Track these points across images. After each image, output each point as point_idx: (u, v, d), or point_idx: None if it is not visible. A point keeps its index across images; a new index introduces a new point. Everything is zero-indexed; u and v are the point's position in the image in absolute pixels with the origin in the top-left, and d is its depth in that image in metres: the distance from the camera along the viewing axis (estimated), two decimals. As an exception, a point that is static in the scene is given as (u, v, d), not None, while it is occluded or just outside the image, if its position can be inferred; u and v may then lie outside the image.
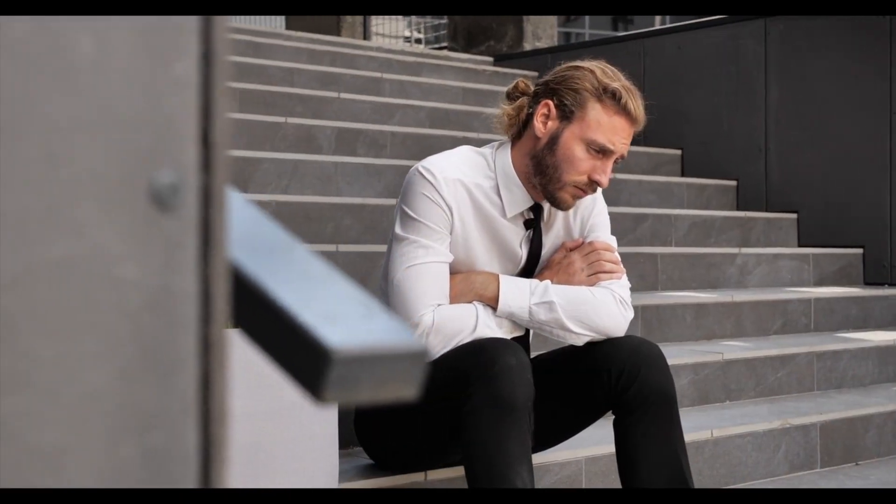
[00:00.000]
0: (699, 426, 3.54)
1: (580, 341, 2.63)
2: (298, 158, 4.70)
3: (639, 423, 2.57)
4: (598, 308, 2.63)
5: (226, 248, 0.53)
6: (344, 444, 2.97)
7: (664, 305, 4.41)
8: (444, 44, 9.12)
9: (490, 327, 2.58)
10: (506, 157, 2.66)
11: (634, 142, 6.68)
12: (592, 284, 2.67)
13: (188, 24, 0.50)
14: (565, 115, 2.59)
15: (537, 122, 2.61)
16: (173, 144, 0.49)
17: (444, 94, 6.59)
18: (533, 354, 2.84)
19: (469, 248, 2.64)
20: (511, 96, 2.71)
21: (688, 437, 3.36)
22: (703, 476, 3.43)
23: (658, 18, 23.88)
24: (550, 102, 2.60)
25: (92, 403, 0.52)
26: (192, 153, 0.50)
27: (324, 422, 2.53)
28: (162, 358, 0.52)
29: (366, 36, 10.19)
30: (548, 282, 2.65)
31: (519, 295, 2.61)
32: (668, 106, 6.75)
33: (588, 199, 2.76)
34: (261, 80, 5.86)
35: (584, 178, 2.57)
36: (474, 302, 2.61)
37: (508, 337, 2.63)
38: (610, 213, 5.16)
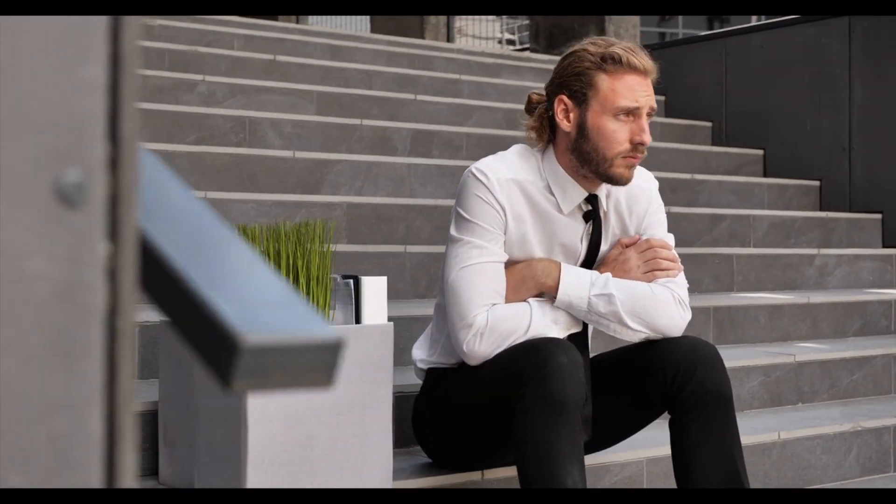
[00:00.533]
0: (767, 428, 3.50)
1: (636, 338, 2.62)
2: (372, 160, 4.75)
3: (694, 424, 2.55)
4: (658, 306, 2.62)
5: (134, 242, 0.55)
6: (405, 442, 3.00)
7: (737, 307, 4.36)
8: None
9: (545, 325, 2.58)
10: (551, 158, 2.68)
11: (716, 142, 6.63)
12: (649, 282, 2.66)
13: (97, 25, 0.52)
14: (580, 100, 2.60)
15: (560, 119, 2.64)
16: (81, 144, 0.52)
17: (522, 95, 6.58)
18: (592, 354, 2.84)
19: (526, 247, 2.65)
20: (529, 110, 2.74)
21: (755, 438, 3.34)
22: (769, 478, 3.39)
23: (754, 17, 23.55)
24: (563, 96, 2.63)
25: (-2, 390, 0.54)
26: (99, 152, 0.52)
27: (379, 420, 2.56)
28: (69, 347, 0.54)
29: (449, 38, 10.24)
30: (608, 274, 2.64)
31: (579, 285, 2.61)
32: (751, 106, 6.67)
33: (643, 197, 2.77)
34: (338, 83, 5.92)
35: (626, 146, 2.58)
36: (529, 300, 2.61)
37: (564, 335, 2.63)
38: (687, 214, 5.17)
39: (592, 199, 2.70)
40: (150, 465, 2.69)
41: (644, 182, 2.80)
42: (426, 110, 5.78)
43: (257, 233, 2.44)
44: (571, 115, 2.63)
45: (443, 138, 5.38)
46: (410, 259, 4.01)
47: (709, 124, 6.89)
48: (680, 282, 2.71)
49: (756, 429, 3.48)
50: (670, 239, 2.78)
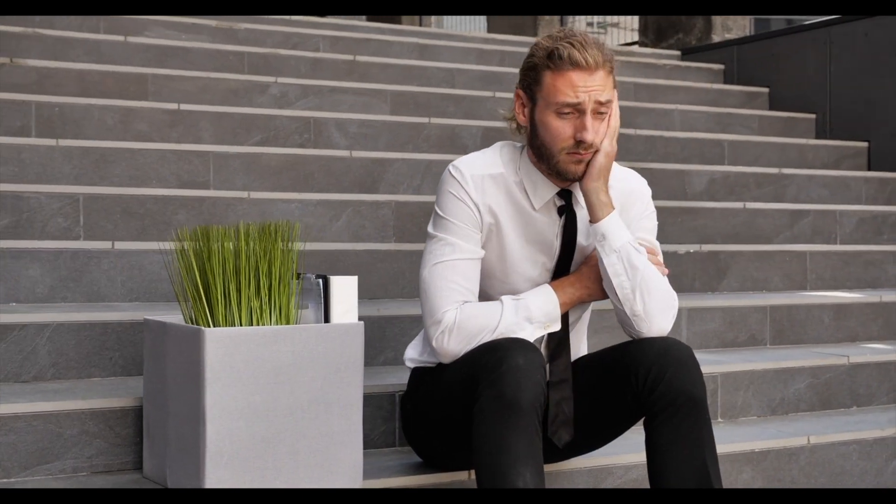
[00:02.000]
0: (798, 432, 3.37)
1: (626, 307, 2.56)
2: (432, 158, 4.76)
3: (664, 426, 2.49)
4: (665, 301, 2.58)
5: None
6: (400, 441, 3.01)
7: (799, 306, 4.20)
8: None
9: (516, 323, 2.55)
10: (525, 153, 2.66)
11: (820, 135, 6.37)
12: None
13: None
14: (532, 96, 2.59)
15: (518, 114, 2.64)
16: None
17: (627, 91, 6.47)
18: (584, 353, 2.80)
19: (503, 241, 2.63)
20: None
21: (783, 442, 3.23)
22: (797, 485, 3.26)
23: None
24: (520, 91, 2.62)
25: None
26: None
27: (347, 419, 2.57)
28: None
29: (561, 33, 10.09)
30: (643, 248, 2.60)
31: (622, 228, 2.57)
32: (855, 96, 6.43)
33: (638, 200, 2.72)
34: (419, 82, 5.94)
35: (570, 143, 2.55)
36: (503, 298, 2.59)
37: (540, 333, 2.59)
38: (765, 210, 5.00)
39: (566, 195, 2.66)
40: (137, 460, 2.76)
41: (638, 186, 2.76)
42: (507, 107, 5.74)
43: (219, 232, 2.47)
44: (525, 111, 2.61)
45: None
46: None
47: (812, 116, 6.66)
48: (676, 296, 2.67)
49: (785, 433, 3.36)
50: (657, 245, 2.73)
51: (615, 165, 2.79)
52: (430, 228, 2.64)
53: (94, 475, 2.73)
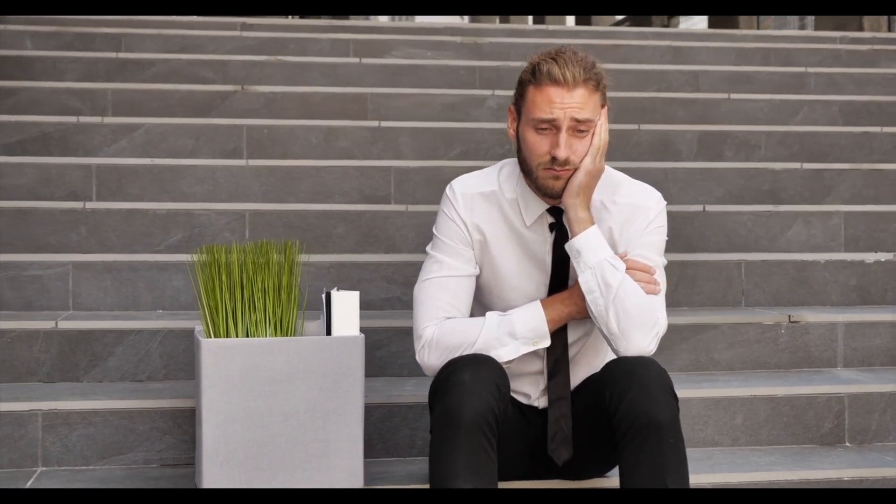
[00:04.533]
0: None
1: (601, 325, 2.53)
2: (623, 166, 4.71)
3: (626, 448, 2.43)
4: (643, 319, 2.52)
5: None
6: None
7: None
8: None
9: (496, 339, 2.57)
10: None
11: None
12: None
13: None
14: (519, 111, 2.59)
15: (509, 128, 2.65)
16: None
17: (878, 84, 6.05)
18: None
19: (497, 259, 2.66)
20: None
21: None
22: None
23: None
24: (511, 106, 2.63)
25: None
26: None
27: (345, 427, 2.71)
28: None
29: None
30: (623, 263, 2.57)
31: (599, 245, 2.56)
32: None
33: (640, 217, 2.67)
34: (658, 87, 5.86)
35: (546, 158, 2.54)
36: (488, 314, 2.62)
37: (526, 349, 2.59)
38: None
39: (557, 212, 2.64)
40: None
41: (645, 201, 2.69)
42: (743, 109, 5.56)
43: (221, 248, 2.70)
44: (514, 126, 2.63)
45: (736, 139, 5.17)
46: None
47: None
48: (664, 315, 2.60)
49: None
50: (658, 263, 2.65)
51: (628, 180, 2.75)
52: (427, 247, 2.72)
53: (163, 467, 3.04)
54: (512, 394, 2.75)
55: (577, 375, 2.72)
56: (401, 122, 5.01)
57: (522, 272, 2.68)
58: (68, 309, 3.68)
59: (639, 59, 6.24)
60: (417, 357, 2.63)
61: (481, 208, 2.66)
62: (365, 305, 3.63)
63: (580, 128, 2.53)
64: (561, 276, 2.66)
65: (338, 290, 2.79)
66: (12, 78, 5.29)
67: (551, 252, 2.65)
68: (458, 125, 5.01)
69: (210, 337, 2.70)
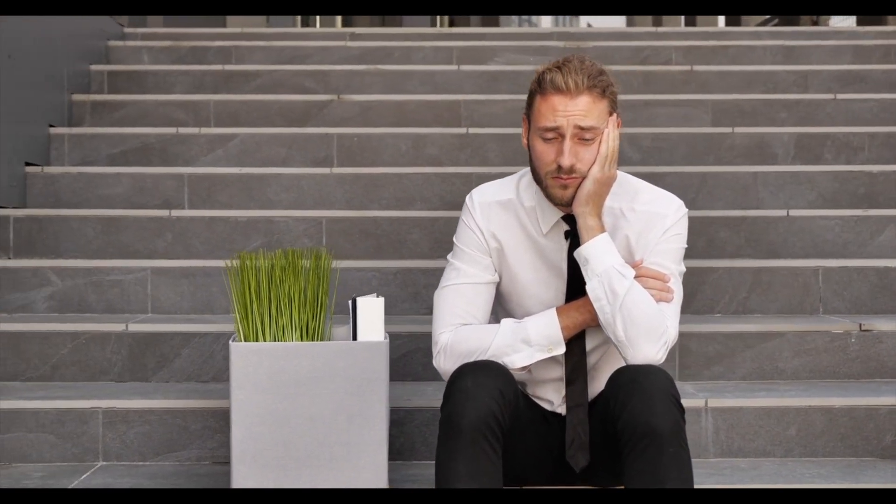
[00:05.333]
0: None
1: (609, 333, 2.55)
2: (707, 171, 4.67)
3: (628, 457, 2.42)
4: (651, 327, 2.52)
5: None
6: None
7: None
8: None
9: (510, 345, 2.60)
10: None
11: None
12: None
13: None
14: (529, 121, 2.62)
15: (523, 138, 2.67)
16: None
17: None
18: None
19: (514, 267, 2.70)
20: None
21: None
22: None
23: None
24: (524, 116, 2.65)
25: None
26: None
27: (369, 431, 2.78)
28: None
29: None
30: (633, 271, 2.58)
31: (608, 252, 2.56)
32: None
33: (657, 224, 2.65)
34: (763, 88, 5.75)
35: (553, 167, 2.55)
36: (503, 320, 2.65)
37: (541, 356, 2.61)
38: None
39: (573, 220, 2.65)
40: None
41: (662, 209, 2.68)
42: (850, 109, 5.40)
43: (252, 255, 2.80)
44: (526, 135, 2.65)
45: (837, 140, 5.03)
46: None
47: None
48: (675, 323, 2.59)
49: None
50: (675, 270, 2.64)
51: (648, 188, 2.74)
52: (449, 254, 2.78)
53: (213, 464, 3.17)
54: (536, 400, 2.79)
55: (600, 382, 2.72)
56: (488, 128, 5.05)
57: (540, 280, 2.70)
58: (147, 312, 3.86)
59: (749, 60, 6.11)
60: (434, 363, 2.68)
61: (498, 216, 2.70)
62: (428, 311, 3.70)
63: (585, 135, 2.54)
64: (578, 283, 2.66)
65: (376, 296, 2.86)
66: (125, 92, 5.55)
67: (567, 260, 2.67)
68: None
69: (241, 341, 2.81)
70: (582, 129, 2.54)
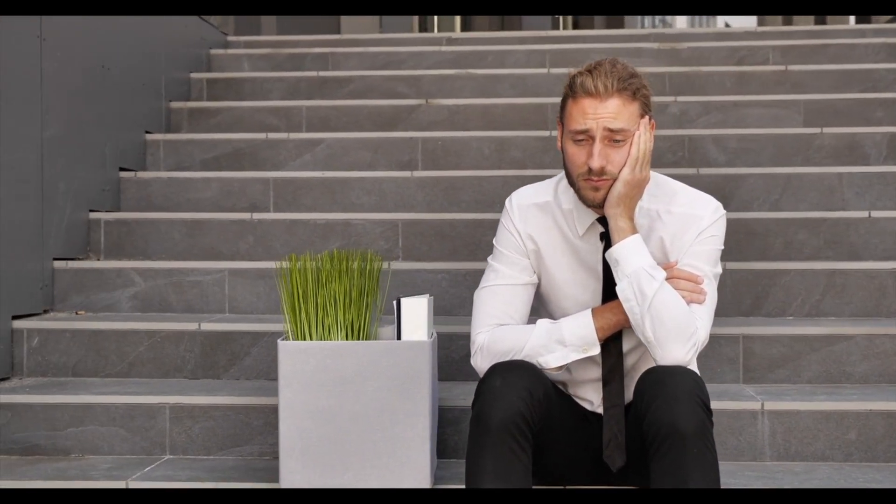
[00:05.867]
0: None
1: (638, 333, 2.57)
2: (792, 172, 4.60)
3: (653, 459, 2.43)
4: (679, 328, 2.53)
5: None
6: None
7: None
8: None
9: (544, 346, 2.63)
10: None
11: None
12: None
13: None
14: (563, 125, 2.65)
15: (558, 143, 2.69)
16: None
17: None
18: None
19: (551, 268, 2.73)
20: None
21: None
22: None
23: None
24: (559, 120, 2.68)
25: None
26: None
27: (413, 428, 2.85)
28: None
29: None
30: (664, 272, 2.58)
31: (638, 253, 2.57)
32: None
33: (692, 226, 2.66)
34: (863, 87, 5.62)
35: (584, 169, 2.58)
36: (539, 321, 2.69)
37: (576, 357, 2.64)
38: None
39: (606, 222, 2.67)
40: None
41: (699, 210, 2.69)
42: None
43: (305, 257, 2.89)
44: (560, 138, 2.68)
45: (933, 140, 4.90)
46: (732, 276, 3.92)
47: None
48: (706, 325, 2.59)
49: None
50: (709, 271, 2.64)
51: (685, 190, 2.75)
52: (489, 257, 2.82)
53: (273, 459, 3.27)
54: (577, 400, 2.82)
55: (638, 383, 2.73)
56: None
57: (577, 281, 2.73)
58: (224, 312, 4.00)
59: (848, 59, 5.98)
60: (472, 362, 2.72)
61: (536, 219, 2.73)
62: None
63: (615, 137, 2.56)
64: (613, 284, 2.67)
65: (428, 297, 2.93)
66: (223, 98, 5.73)
67: (602, 261, 2.69)
68: (631, 133, 4.99)
69: (290, 340, 2.90)
70: (612, 131, 2.56)
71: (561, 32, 6.85)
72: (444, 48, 6.18)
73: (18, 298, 3.74)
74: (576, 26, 19.89)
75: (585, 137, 2.58)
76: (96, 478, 3.05)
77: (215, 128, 5.39)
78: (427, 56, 6.13)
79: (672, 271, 2.62)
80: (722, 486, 2.84)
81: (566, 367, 2.78)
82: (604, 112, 2.56)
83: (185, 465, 3.19)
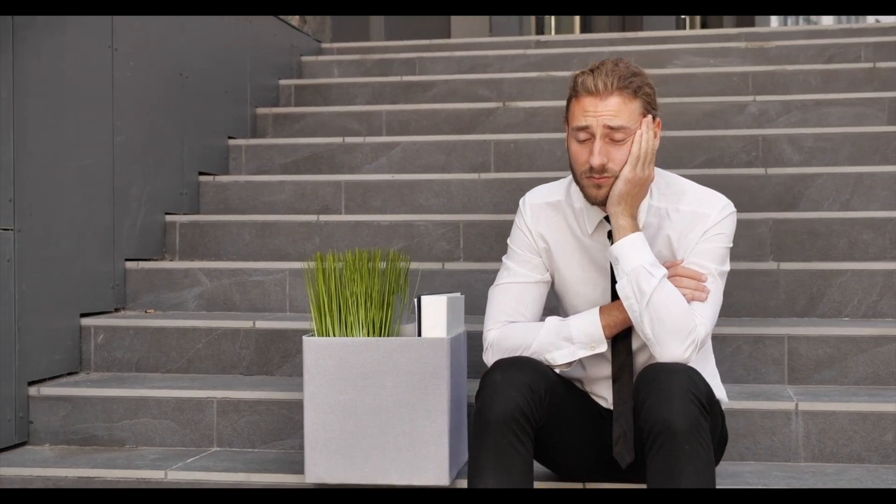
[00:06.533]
0: None
1: (639, 331, 2.60)
2: (864, 171, 4.51)
3: (648, 455, 2.45)
4: (676, 326, 2.55)
5: None
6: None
7: None
8: None
9: (551, 343, 2.67)
10: None
11: None
12: None
13: None
14: (568, 124, 2.68)
15: (566, 143, 2.72)
16: None
17: None
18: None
19: (562, 267, 2.78)
20: None
21: None
22: None
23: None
24: (565, 120, 2.71)
25: None
26: None
27: (431, 423, 2.92)
28: None
29: None
30: (664, 270, 2.61)
31: (639, 251, 2.59)
32: None
33: (699, 224, 2.67)
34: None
35: (586, 167, 2.62)
36: (548, 318, 2.73)
37: (584, 354, 2.68)
38: None
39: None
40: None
41: (705, 209, 2.70)
42: None
43: (321, 257, 2.99)
44: (567, 138, 2.71)
45: None
46: (786, 277, 3.88)
47: None
48: (706, 323, 2.58)
49: None
50: (714, 269, 2.64)
51: (694, 188, 2.75)
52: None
53: (314, 453, 3.38)
54: (594, 397, 2.85)
55: (650, 381, 2.74)
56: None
57: (587, 279, 2.76)
58: (285, 311, 4.13)
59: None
60: (483, 358, 2.78)
61: (547, 217, 2.78)
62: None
63: (615, 136, 2.59)
64: (621, 282, 2.71)
65: (460, 294, 3.00)
66: (311, 104, 5.89)
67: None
68: (704, 133, 4.97)
69: (315, 336, 3.00)
70: (612, 128, 2.59)
71: (650, 33, 6.81)
72: (528, 51, 6.22)
73: (89, 297, 3.94)
74: (704, 25, 19.63)
75: (587, 135, 2.62)
76: (140, 467, 3.20)
77: (298, 133, 5.54)
78: (512, 59, 6.18)
79: (676, 269, 2.64)
80: (743, 487, 2.86)
81: (581, 365, 2.81)
82: (604, 110, 2.59)
83: (227, 457, 3.32)
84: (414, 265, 3.86)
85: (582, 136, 2.63)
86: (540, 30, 13.71)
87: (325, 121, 5.58)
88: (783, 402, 3.19)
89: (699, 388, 2.47)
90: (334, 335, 2.98)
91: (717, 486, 2.85)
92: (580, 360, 2.83)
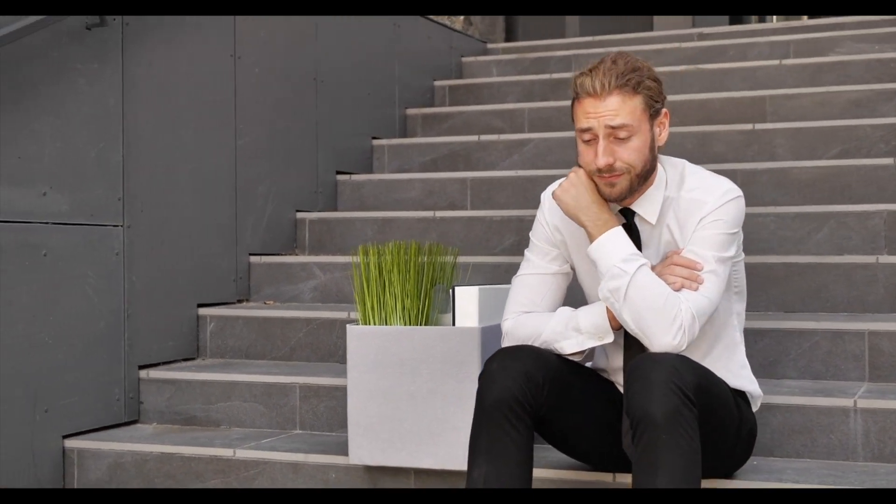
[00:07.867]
0: None
1: (628, 328, 2.61)
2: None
3: (630, 447, 2.46)
4: (658, 314, 2.55)
5: None
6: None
7: None
8: None
9: (561, 333, 2.72)
10: None
11: None
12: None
13: None
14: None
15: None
16: None
17: None
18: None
19: (578, 258, 2.83)
20: None
21: None
22: None
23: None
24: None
25: None
26: None
27: (463, 410, 3.01)
28: None
29: None
30: (647, 262, 2.63)
31: (614, 251, 2.62)
32: None
33: (696, 211, 2.67)
34: None
35: (594, 167, 2.65)
36: (560, 308, 2.77)
37: (592, 345, 2.71)
38: None
39: (628, 213, 2.72)
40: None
41: (703, 196, 2.69)
42: None
43: (374, 249, 3.14)
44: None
45: None
46: (884, 270, 3.72)
47: None
48: (700, 306, 2.56)
49: None
50: (710, 256, 2.62)
51: (695, 176, 2.75)
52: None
53: (386, 439, 3.52)
54: (618, 387, 2.87)
55: (663, 373, 2.74)
56: (781, 123, 4.92)
57: (597, 272, 2.78)
58: (391, 303, 4.29)
59: None
60: (501, 346, 2.85)
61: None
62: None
63: (618, 134, 2.61)
64: (633, 274, 2.72)
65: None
66: (462, 104, 6.04)
67: (625, 250, 2.73)
68: (843, 123, 4.79)
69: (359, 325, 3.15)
70: (613, 128, 2.61)
71: (814, 21, 6.57)
72: (683, 45, 6.15)
73: (208, 289, 4.23)
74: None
75: (591, 136, 2.65)
76: (217, 446, 3.44)
77: (445, 132, 5.70)
78: (668, 53, 6.12)
79: (671, 258, 2.63)
80: (781, 487, 2.80)
81: (605, 355, 2.84)
82: (604, 110, 2.61)
83: (301, 440, 3.51)
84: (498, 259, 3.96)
85: (586, 137, 2.65)
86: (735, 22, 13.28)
87: (470, 119, 5.71)
88: (841, 399, 3.09)
89: (683, 378, 2.45)
90: (373, 324, 3.12)
91: (738, 483, 2.84)
92: (603, 350, 2.86)
